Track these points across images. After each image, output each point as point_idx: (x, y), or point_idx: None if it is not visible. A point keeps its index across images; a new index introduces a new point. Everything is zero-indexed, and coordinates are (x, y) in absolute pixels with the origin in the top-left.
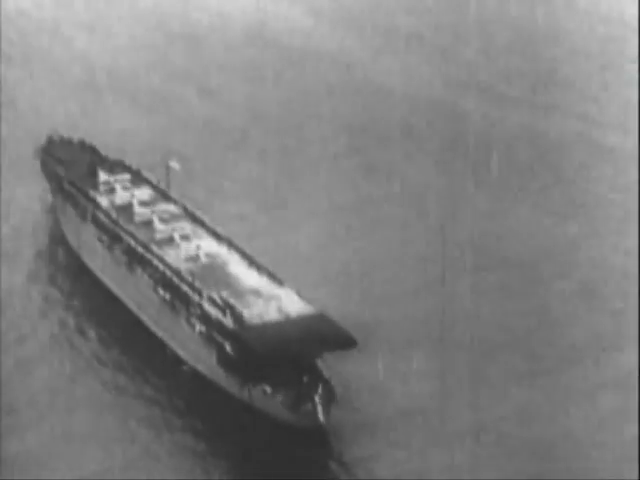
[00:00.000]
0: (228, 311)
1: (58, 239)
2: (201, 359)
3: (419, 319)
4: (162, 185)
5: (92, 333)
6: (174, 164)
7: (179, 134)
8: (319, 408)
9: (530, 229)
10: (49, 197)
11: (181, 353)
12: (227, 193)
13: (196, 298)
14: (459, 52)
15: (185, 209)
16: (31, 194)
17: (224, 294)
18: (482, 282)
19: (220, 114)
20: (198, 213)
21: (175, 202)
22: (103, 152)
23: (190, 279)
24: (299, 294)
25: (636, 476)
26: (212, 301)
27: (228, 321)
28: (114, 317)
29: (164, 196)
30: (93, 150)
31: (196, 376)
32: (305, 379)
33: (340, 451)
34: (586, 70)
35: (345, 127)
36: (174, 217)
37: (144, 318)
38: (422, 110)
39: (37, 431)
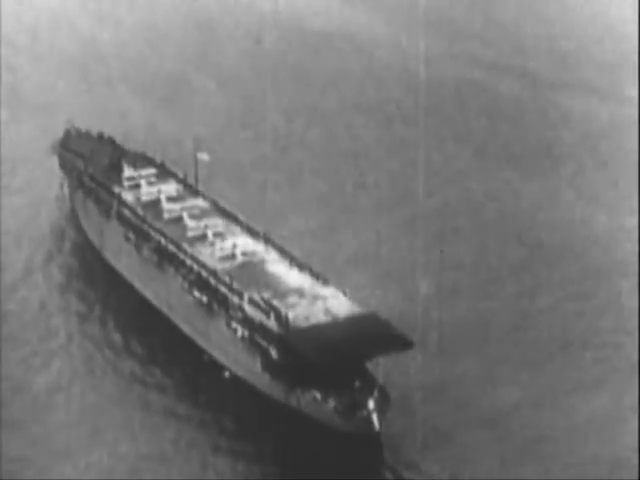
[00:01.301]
0: (272, 313)
1: (77, 236)
2: (244, 365)
3: (471, 320)
4: (189, 179)
5: (124, 339)
6: (203, 156)
7: (198, 125)
8: (374, 415)
9: (580, 219)
10: (66, 193)
11: (221, 359)
12: (259, 190)
13: (236, 300)
14: (488, 33)
15: (215, 204)
16: (47, 190)
17: (266, 295)
18: (537, 281)
19: (239, 104)
20: (229, 208)
21: (204, 197)
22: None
23: (228, 280)
24: (346, 293)
25: (636, 476)
26: (254, 303)
27: (272, 324)
28: (144, 320)
29: (192, 190)
30: (113, 143)
31: (238, 382)
32: (357, 384)
33: (394, 458)
34: (625, 52)
35: (374, 115)
36: (205, 213)
37: (177, 321)
38: (452, 94)
39: (87, 453)
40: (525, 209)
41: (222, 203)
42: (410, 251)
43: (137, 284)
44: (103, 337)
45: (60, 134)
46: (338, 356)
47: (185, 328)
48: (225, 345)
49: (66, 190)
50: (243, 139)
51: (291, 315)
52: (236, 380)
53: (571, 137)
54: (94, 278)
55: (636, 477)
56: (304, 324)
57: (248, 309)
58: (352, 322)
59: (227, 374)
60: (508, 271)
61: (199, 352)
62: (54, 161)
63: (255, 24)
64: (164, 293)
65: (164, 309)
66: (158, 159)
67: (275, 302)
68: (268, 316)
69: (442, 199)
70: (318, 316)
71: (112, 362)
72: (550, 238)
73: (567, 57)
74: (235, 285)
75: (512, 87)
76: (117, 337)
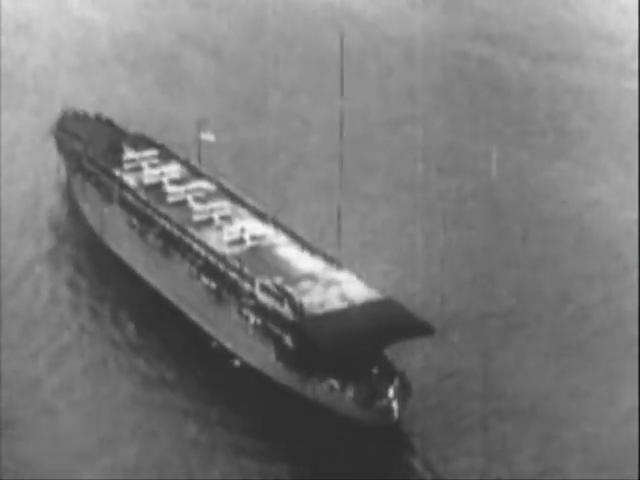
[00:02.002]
0: (285, 300)
1: (78, 223)
2: (256, 353)
3: (492, 307)
4: (192, 160)
5: (129, 326)
6: (207, 136)
7: (197, 106)
8: (394, 404)
9: (597, 200)
10: (64, 176)
11: (232, 347)
12: (264, 173)
13: (247, 286)
14: (487, 5)
15: (220, 186)
16: (47, 176)
17: (277, 281)
18: (557, 266)
19: (239, 83)
20: (234, 189)
21: (209, 178)
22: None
23: (238, 265)
24: (361, 277)
25: (636, 476)
26: (266, 289)
27: (286, 311)
28: (149, 308)
29: (195, 172)
30: (111, 124)
31: (249, 371)
32: (375, 371)
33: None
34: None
35: (378, 93)
36: (210, 196)
37: (183, 308)
38: (457, 70)
39: (101, 457)
40: (541, 191)
41: (227, 185)
42: (424, 235)
43: (141, 271)
44: (114, 331)
45: (57, 117)
46: (356, 343)
47: (193, 316)
48: (236, 333)
49: (64, 173)
50: (244, 120)
51: (305, 301)
52: (249, 370)
53: (582, 114)
54: (100, 268)
55: (636, 477)
56: (319, 311)
57: (260, 296)
58: (369, 308)
59: (237, 363)
60: (527, 256)
61: (209, 341)
62: (52, 146)
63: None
64: (170, 280)
65: (171, 297)
66: (157, 141)
67: (288, 288)
68: (281, 303)
69: (454, 181)
70: (333, 302)
71: (125, 357)
72: (569, 222)
73: (569, 30)
74: (245, 270)
75: (517, 61)
76: (127, 329)
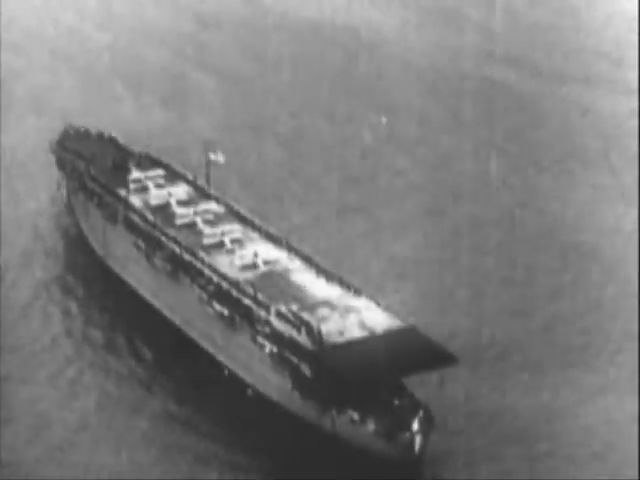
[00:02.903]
0: (303, 328)
1: (77, 243)
2: (271, 383)
3: (514, 336)
4: (200, 181)
5: (140, 357)
6: (216, 156)
7: (201, 125)
8: (417, 438)
9: (615, 224)
10: (64, 194)
11: (245, 376)
12: (274, 197)
13: (262, 313)
14: (492, 25)
15: (230, 208)
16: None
17: (293, 307)
18: (580, 298)
19: (242, 102)
20: (245, 212)
21: (217, 200)
22: None
23: (251, 291)
24: (380, 304)
25: (636, 476)
26: (282, 316)
27: (304, 340)
28: (158, 335)
29: (204, 193)
30: (115, 143)
31: (264, 402)
32: (396, 402)
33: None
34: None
35: (385, 114)
36: (220, 218)
37: (193, 335)
38: (465, 90)
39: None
40: (565, 217)
41: (238, 207)
42: (442, 263)
43: (148, 296)
44: (126, 362)
45: (57, 135)
46: (377, 373)
47: (204, 343)
48: (250, 362)
49: (63, 191)
50: (249, 140)
51: (324, 329)
52: (263, 401)
53: (598, 136)
54: (105, 293)
55: (636, 477)
56: (339, 339)
57: (276, 323)
58: (390, 336)
59: (250, 392)
60: (550, 285)
61: (221, 369)
62: (53, 164)
63: (255, 17)
64: (179, 306)
65: (179, 323)
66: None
67: (304, 315)
68: (299, 331)
69: (472, 208)
70: (352, 330)
71: (138, 390)
72: (587, 249)
73: (578, 52)
74: (259, 297)
75: (526, 82)
76: (138, 360)
